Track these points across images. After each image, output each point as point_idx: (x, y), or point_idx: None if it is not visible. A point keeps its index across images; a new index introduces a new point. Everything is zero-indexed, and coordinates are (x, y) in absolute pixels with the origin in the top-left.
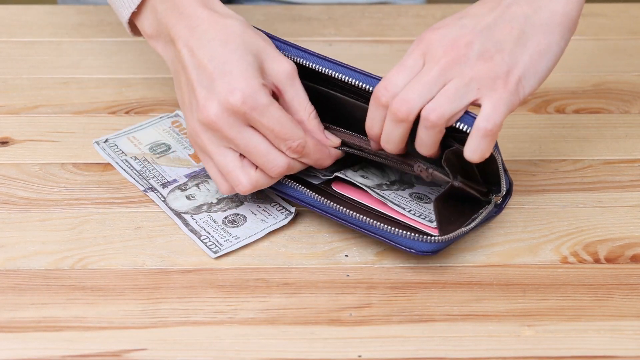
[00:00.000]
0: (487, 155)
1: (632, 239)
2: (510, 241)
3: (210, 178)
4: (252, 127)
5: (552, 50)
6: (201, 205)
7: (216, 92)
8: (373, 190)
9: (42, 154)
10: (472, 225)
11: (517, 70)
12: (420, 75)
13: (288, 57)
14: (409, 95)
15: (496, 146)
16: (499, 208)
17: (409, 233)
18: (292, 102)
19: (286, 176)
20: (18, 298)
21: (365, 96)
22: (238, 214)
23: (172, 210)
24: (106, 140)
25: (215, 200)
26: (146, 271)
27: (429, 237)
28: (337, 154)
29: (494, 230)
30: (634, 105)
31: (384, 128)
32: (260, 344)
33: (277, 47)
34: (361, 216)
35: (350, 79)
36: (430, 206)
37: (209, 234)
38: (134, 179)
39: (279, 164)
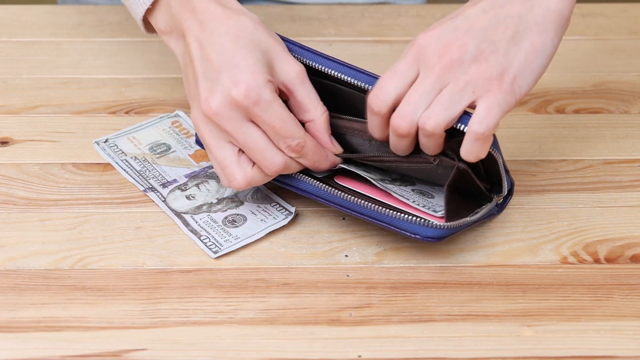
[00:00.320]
0: (482, 156)
1: (632, 239)
2: (510, 241)
3: (210, 178)
4: (253, 122)
5: (547, 48)
6: (201, 206)
7: (220, 84)
8: (377, 182)
9: (42, 154)
10: (476, 217)
11: (512, 69)
12: (416, 86)
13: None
14: (406, 110)
15: (497, 147)
16: (500, 207)
17: (414, 218)
18: (304, 101)
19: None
20: (18, 298)
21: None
22: (238, 214)
23: (172, 210)
24: (106, 140)
25: (215, 201)
26: (146, 271)
27: (434, 223)
28: (335, 160)
29: (494, 230)
30: (634, 105)
31: (390, 141)
32: (260, 344)
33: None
34: (366, 203)
35: (354, 81)
36: (434, 200)
37: (209, 234)
38: (134, 179)
39: (275, 161)
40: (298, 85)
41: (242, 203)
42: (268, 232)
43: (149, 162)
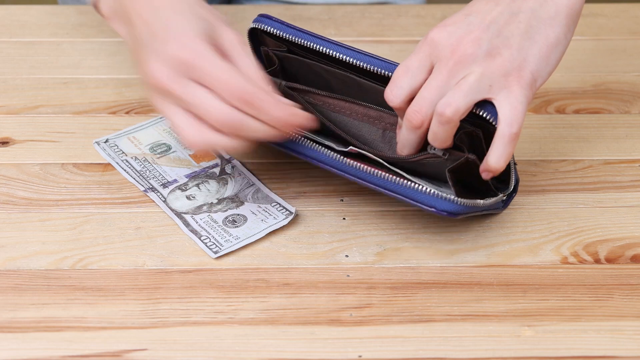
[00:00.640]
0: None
1: (632, 239)
2: (510, 241)
3: (210, 179)
4: (199, 84)
5: (561, 42)
6: (201, 206)
7: (165, 53)
8: (388, 164)
9: (42, 154)
10: (488, 202)
11: (529, 64)
12: (430, 81)
13: (304, 44)
14: (420, 104)
15: None
16: (504, 204)
17: (430, 190)
18: (244, 64)
19: (303, 140)
20: (18, 298)
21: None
22: (238, 214)
23: (173, 210)
24: (106, 141)
25: (215, 201)
26: (146, 271)
27: (451, 197)
28: (305, 115)
29: (494, 230)
30: (634, 105)
31: (401, 134)
32: (260, 344)
33: (288, 32)
34: (381, 173)
35: (370, 67)
36: (443, 188)
37: (209, 234)
38: (134, 179)
39: (224, 112)
40: (236, 52)
41: (242, 203)
42: (268, 232)
43: (149, 162)
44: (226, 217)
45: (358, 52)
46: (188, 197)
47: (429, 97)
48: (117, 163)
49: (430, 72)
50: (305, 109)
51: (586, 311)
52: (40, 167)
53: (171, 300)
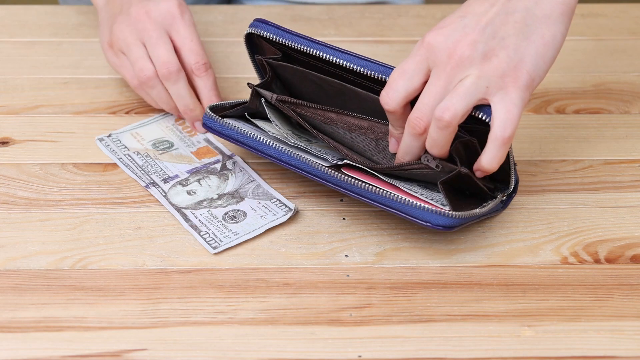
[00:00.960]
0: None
1: (632, 239)
2: (510, 241)
3: (211, 174)
4: (169, 36)
5: (557, 40)
6: (202, 201)
7: (154, 2)
8: (384, 175)
9: (42, 154)
10: (484, 209)
11: (525, 64)
12: (429, 87)
13: (300, 48)
14: (422, 111)
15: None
16: (504, 205)
17: (425, 205)
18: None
19: (299, 154)
20: (18, 298)
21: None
22: (238, 210)
23: (173, 205)
24: (110, 135)
25: (215, 196)
26: (146, 271)
27: (445, 211)
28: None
29: (494, 230)
30: (634, 105)
31: (403, 141)
32: (260, 344)
33: (285, 37)
34: (376, 188)
35: (366, 71)
36: (440, 195)
37: (209, 229)
38: (135, 174)
39: (174, 63)
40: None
41: (242, 199)
42: (268, 228)
43: (151, 158)
44: (226, 213)
45: (355, 55)
46: (189, 192)
47: (429, 102)
48: (119, 158)
49: (426, 75)
50: (296, 122)
51: (586, 311)
52: (40, 167)
53: (171, 300)
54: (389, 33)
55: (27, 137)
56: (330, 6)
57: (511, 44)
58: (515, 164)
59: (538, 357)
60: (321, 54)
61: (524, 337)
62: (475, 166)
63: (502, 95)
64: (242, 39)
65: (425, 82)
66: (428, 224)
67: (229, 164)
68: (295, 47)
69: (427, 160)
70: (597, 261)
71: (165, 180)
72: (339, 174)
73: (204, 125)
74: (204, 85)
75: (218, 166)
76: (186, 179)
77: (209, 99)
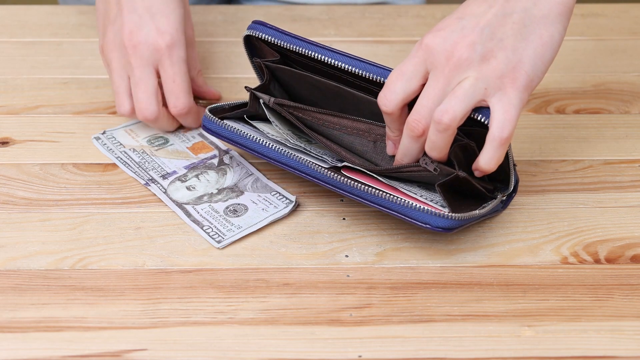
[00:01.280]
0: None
1: (632, 239)
2: (510, 241)
3: (209, 169)
4: (155, 71)
5: (555, 40)
6: (202, 196)
7: (147, 25)
8: (383, 176)
9: (42, 154)
10: (484, 210)
11: (523, 65)
12: (427, 90)
13: (299, 51)
14: (421, 114)
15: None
16: (505, 205)
17: (424, 207)
18: (190, 60)
19: (298, 156)
20: (18, 298)
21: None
22: (239, 204)
23: (174, 201)
24: (104, 132)
25: (215, 191)
26: (146, 271)
27: (445, 213)
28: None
29: (494, 230)
30: (634, 105)
31: (402, 143)
32: (260, 344)
33: (284, 40)
34: (376, 190)
35: (364, 73)
36: (440, 196)
37: (212, 224)
38: (134, 172)
39: (151, 109)
40: (190, 46)
41: (242, 193)
42: (270, 221)
43: (147, 154)
44: (227, 207)
45: (353, 57)
46: (188, 188)
47: (428, 105)
48: (116, 156)
49: (424, 77)
50: (294, 125)
51: (586, 311)
52: (40, 167)
53: (171, 300)
54: (389, 33)
55: (27, 137)
56: (330, 6)
57: (509, 45)
58: (515, 165)
59: (538, 357)
60: (319, 56)
61: (524, 337)
62: (474, 166)
63: (501, 96)
64: (242, 39)
65: (424, 85)
66: (428, 225)
67: (225, 159)
68: (293, 49)
69: (426, 163)
70: (597, 261)
71: (164, 177)
72: (339, 176)
73: (204, 127)
74: (186, 124)
75: (215, 161)
76: (184, 175)
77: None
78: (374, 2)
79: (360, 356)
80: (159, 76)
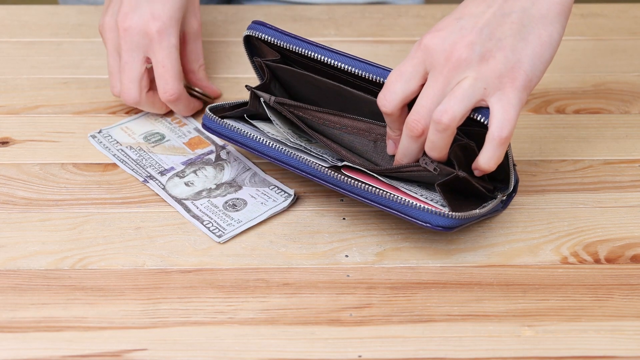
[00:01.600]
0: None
1: (632, 239)
2: (510, 241)
3: (207, 165)
4: (145, 57)
5: (554, 40)
6: (200, 191)
7: (141, 10)
8: (383, 176)
9: (42, 154)
10: (484, 210)
11: (522, 65)
12: (426, 90)
13: (299, 51)
14: (420, 114)
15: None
16: (505, 205)
17: (425, 206)
18: (191, 53)
19: (298, 155)
20: (18, 298)
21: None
22: (238, 199)
23: (173, 197)
24: (100, 131)
25: (214, 186)
26: (146, 271)
27: (445, 212)
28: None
29: (494, 230)
30: (634, 105)
31: (401, 143)
32: (260, 344)
33: (284, 40)
34: (376, 189)
35: (364, 73)
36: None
37: (211, 219)
38: (132, 169)
39: (132, 94)
40: (193, 39)
41: (240, 187)
42: (270, 214)
43: (144, 151)
44: (226, 202)
45: (352, 58)
46: (186, 184)
47: (427, 105)
48: (114, 154)
49: (423, 78)
50: (295, 124)
51: (586, 311)
52: (40, 167)
53: (171, 300)
54: (389, 33)
55: (27, 137)
56: (330, 6)
57: (508, 45)
58: (514, 165)
59: (538, 357)
60: (319, 56)
61: (524, 337)
62: (474, 165)
63: (500, 96)
64: (242, 39)
65: (423, 85)
66: (428, 224)
67: (222, 154)
68: (293, 50)
69: (426, 163)
70: (597, 261)
71: (162, 173)
72: (339, 175)
73: (204, 126)
74: (177, 110)
75: (212, 156)
76: (182, 171)
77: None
78: (374, 2)
79: (360, 356)
80: (149, 61)
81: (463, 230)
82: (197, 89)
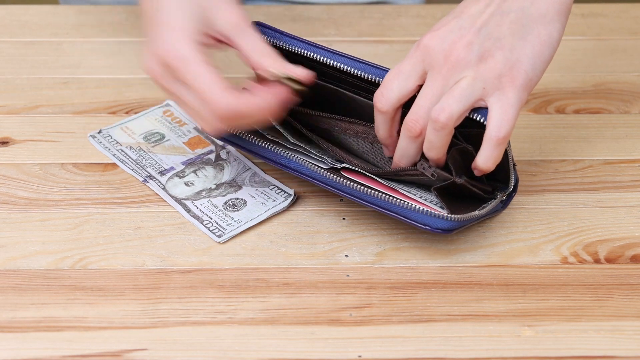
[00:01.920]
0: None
1: (632, 239)
2: (510, 241)
3: (206, 164)
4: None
5: (554, 39)
6: (200, 191)
7: (152, 42)
8: (382, 178)
9: (42, 154)
10: (483, 211)
11: (522, 64)
12: (425, 89)
13: (299, 52)
14: (418, 114)
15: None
16: (504, 204)
17: (424, 208)
18: (243, 49)
19: (296, 157)
20: (18, 298)
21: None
22: (238, 199)
23: (173, 197)
24: (100, 132)
25: (213, 186)
26: (146, 271)
27: (444, 214)
28: (275, 103)
29: (494, 230)
30: (634, 105)
31: (399, 144)
32: (260, 344)
33: (284, 40)
34: (375, 192)
35: (362, 74)
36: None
37: (211, 218)
38: (132, 169)
39: (210, 123)
40: (235, 36)
41: (240, 187)
42: (270, 214)
43: (144, 151)
44: (226, 202)
45: (352, 58)
46: (186, 184)
47: (425, 105)
48: (113, 154)
49: (422, 78)
50: (293, 128)
51: (586, 311)
52: (40, 167)
53: (171, 300)
54: (389, 33)
55: (27, 137)
56: (330, 6)
57: (507, 44)
58: (514, 164)
59: (538, 357)
60: (318, 56)
61: (524, 337)
62: (473, 165)
63: (499, 96)
64: None
65: (421, 85)
66: (427, 227)
67: (222, 154)
68: (293, 51)
69: (423, 168)
70: (597, 261)
71: (162, 173)
72: (338, 177)
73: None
74: (255, 117)
75: (212, 156)
76: (182, 171)
77: None
78: (374, 2)
79: (360, 356)
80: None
81: (463, 230)
82: (282, 75)
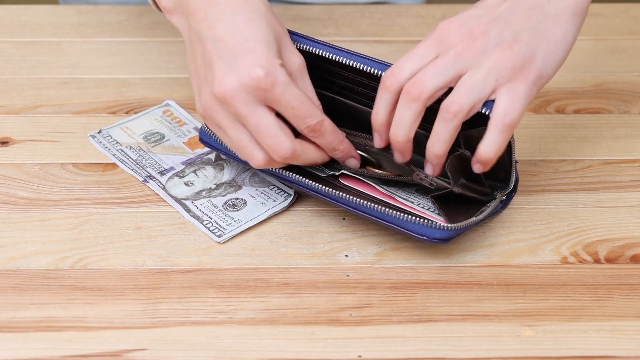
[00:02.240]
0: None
1: (632, 239)
2: (510, 241)
3: (206, 164)
4: (267, 107)
5: (568, 39)
6: (200, 191)
7: (237, 68)
8: (380, 186)
9: (42, 154)
10: (481, 216)
11: (536, 60)
12: (436, 60)
13: (300, 48)
14: (422, 77)
15: (512, 138)
16: (504, 204)
17: (420, 219)
18: (304, 92)
19: (294, 171)
20: (18, 298)
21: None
22: (238, 198)
23: (172, 197)
24: (100, 132)
25: (213, 186)
26: (146, 271)
27: (441, 224)
28: (348, 147)
29: (494, 230)
30: (634, 105)
31: (396, 112)
32: (260, 344)
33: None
34: (372, 204)
35: (369, 68)
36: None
37: (211, 218)
38: (132, 169)
39: (285, 147)
40: (299, 77)
41: (240, 187)
42: (270, 214)
43: (144, 151)
44: (226, 202)
45: (355, 54)
46: (186, 184)
47: (432, 72)
48: (113, 154)
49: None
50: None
51: (586, 311)
52: (40, 167)
53: (171, 300)
54: (389, 33)
55: (27, 137)
56: (330, 6)
57: (524, 38)
58: (516, 161)
59: (538, 357)
60: (321, 52)
61: (524, 337)
62: (474, 158)
63: (510, 87)
64: None
65: None
66: (424, 237)
67: (222, 154)
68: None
69: (420, 179)
70: (597, 261)
71: (162, 173)
72: (334, 190)
73: (201, 140)
74: (321, 145)
75: (212, 156)
76: (182, 171)
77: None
78: (374, 2)
79: (360, 356)
80: (274, 110)
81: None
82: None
